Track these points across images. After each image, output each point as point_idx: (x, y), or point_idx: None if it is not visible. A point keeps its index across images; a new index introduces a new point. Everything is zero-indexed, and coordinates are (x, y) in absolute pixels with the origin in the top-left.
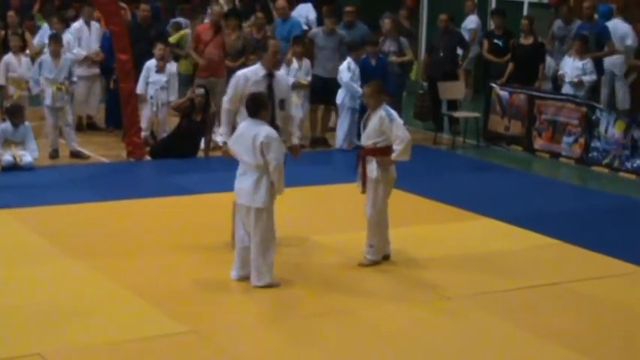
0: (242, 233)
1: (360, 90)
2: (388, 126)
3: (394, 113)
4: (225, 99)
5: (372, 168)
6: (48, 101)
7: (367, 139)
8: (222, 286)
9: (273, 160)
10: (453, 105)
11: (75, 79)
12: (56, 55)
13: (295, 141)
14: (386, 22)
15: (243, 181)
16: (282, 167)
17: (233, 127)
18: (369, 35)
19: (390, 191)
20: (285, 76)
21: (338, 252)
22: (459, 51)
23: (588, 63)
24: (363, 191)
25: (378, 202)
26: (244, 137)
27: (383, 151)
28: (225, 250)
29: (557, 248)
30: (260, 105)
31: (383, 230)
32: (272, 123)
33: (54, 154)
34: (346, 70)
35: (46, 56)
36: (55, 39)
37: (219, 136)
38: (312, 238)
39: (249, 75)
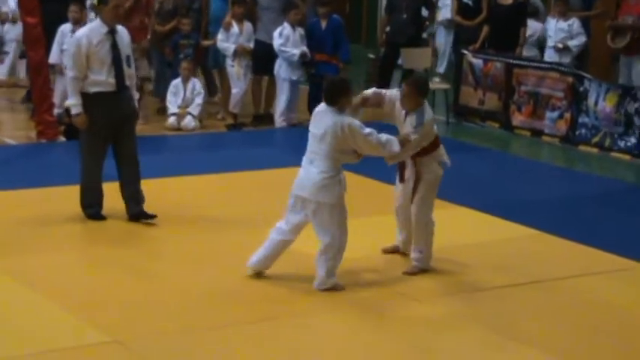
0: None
1: (296, 53)
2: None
3: (426, 117)
4: (69, 65)
5: (433, 168)
6: None
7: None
8: (144, 290)
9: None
10: (410, 74)
11: None
12: None
13: (136, 104)
14: None
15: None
16: None
17: None
18: None
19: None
20: (125, 29)
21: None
22: (425, 12)
23: (575, 23)
24: (412, 201)
25: (429, 204)
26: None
27: (428, 149)
28: (150, 246)
29: (539, 240)
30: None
31: (430, 232)
32: (121, 83)
33: None
34: (277, 35)
35: None
36: None
37: (72, 107)
38: (254, 230)
39: (91, 35)
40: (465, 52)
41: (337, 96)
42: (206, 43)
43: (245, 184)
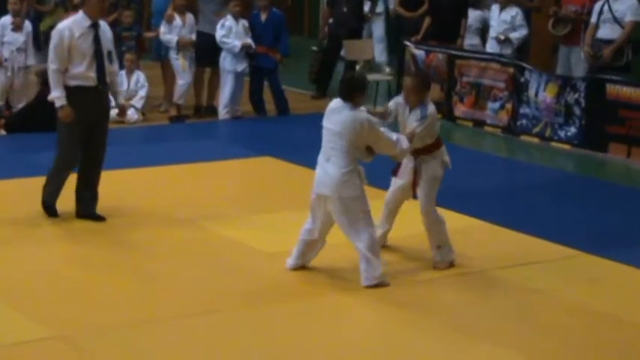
0: None
1: (237, 44)
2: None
3: (429, 110)
4: (51, 58)
5: (434, 166)
6: None
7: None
8: (90, 283)
9: None
10: (352, 67)
11: None
12: None
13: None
14: None
15: None
16: None
17: None
18: None
19: None
20: (107, 24)
21: (227, 240)
22: (366, 5)
23: (518, 15)
24: (415, 196)
25: (433, 201)
26: None
27: (431, 148)
28: (94, 243)
29: (481, 230)
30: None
31: (443, 226)
32: (102, 79)
33: None
34: (219, 27)
35: None
36: None
37: (56, 100)
38: (197, 223)
39: (74, 27)
40: (408, 43)
41: (354, 92)
42: (149, 35)
43: (189, 177)
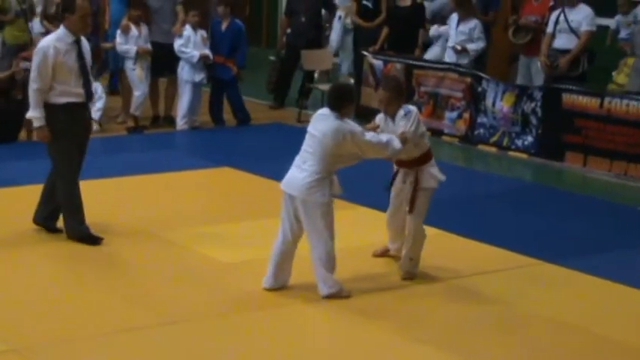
0: None
1: (196, 54)
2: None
3: (410, 108)
4: (33, 76)
5: (429, 179)
6: None
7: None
8: (45, 295)
9: None
10: (310, 77)
11: None
12: None
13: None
14: None
15: None
16: None
17: None
18: None
19: None
20: (85, 39)
21: (186, 250)
22: (324, 14)
23: (477, 28)
24: (411, 211)
25: (423, 213)
26: None
27: (424, 159)
28: (49, 252)
29: (439, 239)
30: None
31: (424, 242)
32: (90, 94)
33: None
34: (178, 36)
35: None
36: None
37: (35, 120)
38: (157, 234)
39: (58, 44)
40: (366, 53)
41: (341, 102)
42: (106, 45)
43: (147, 188)
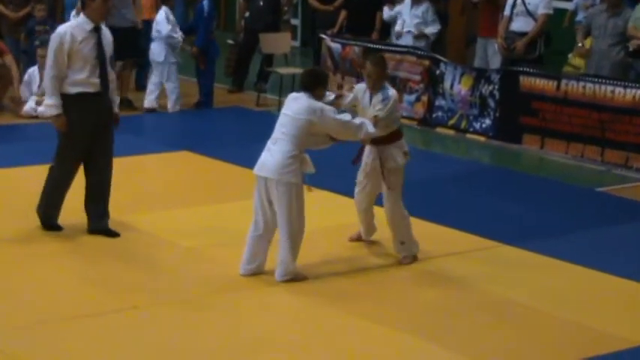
0: None
1: (180, 40)
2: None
3: (390, 93)
4: (49, 64)
5: (396, 156)
6: None
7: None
8: (4, 281)
9: None
10: (268, 60)
11: None
12: None
13: (117, 109)
14: None
15: None
16: None
17: None
18: None
19: None
20: (107, 29)
21: (145, 234)
22: None
23: (429, 11)
24: (389, 187)
25: (400, 195)
26: None
27: (392, 138)
28: (6, 236)
29: None
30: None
31: (408, 222)
32: (106, 84)
33: None
34: (165, 21)
35: None
36: None
37: (51, 108)
38: (116, 219)
39: (75, 32)
40: (324, 36)
41: (315, 84)
42: None
43: None
